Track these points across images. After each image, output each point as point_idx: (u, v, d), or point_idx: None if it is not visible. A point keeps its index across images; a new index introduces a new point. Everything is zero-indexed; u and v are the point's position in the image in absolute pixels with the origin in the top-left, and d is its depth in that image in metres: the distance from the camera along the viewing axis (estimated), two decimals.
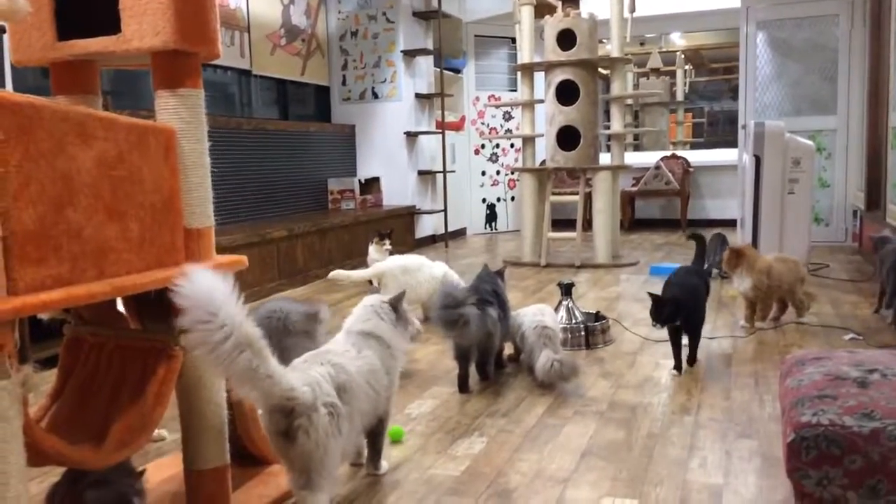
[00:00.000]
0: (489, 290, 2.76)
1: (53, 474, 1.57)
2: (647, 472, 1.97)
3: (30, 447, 1.19)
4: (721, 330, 3.48)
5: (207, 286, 1.35)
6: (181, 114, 1.56)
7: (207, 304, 1.34)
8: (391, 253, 4.37)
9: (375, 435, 1.97)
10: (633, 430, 2.27)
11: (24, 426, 1.18)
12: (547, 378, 2.68)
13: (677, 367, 2.87)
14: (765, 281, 3.42)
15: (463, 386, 2.70)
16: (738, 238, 5.07)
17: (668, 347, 3.33)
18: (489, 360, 2.78)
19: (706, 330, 3.47)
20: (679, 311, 2.79)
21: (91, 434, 1.44)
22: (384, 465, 2.01)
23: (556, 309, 3.46)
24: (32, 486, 1.80)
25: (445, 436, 2.27)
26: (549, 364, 2.66)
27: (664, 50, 9.61)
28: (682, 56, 9.64)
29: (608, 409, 2.47)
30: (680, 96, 9.72)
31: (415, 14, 7.01)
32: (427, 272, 3.72)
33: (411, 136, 7.00)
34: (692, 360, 2.95)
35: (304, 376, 1.60)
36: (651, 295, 2.81)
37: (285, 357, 1.69)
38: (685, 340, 2.96)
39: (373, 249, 4.77)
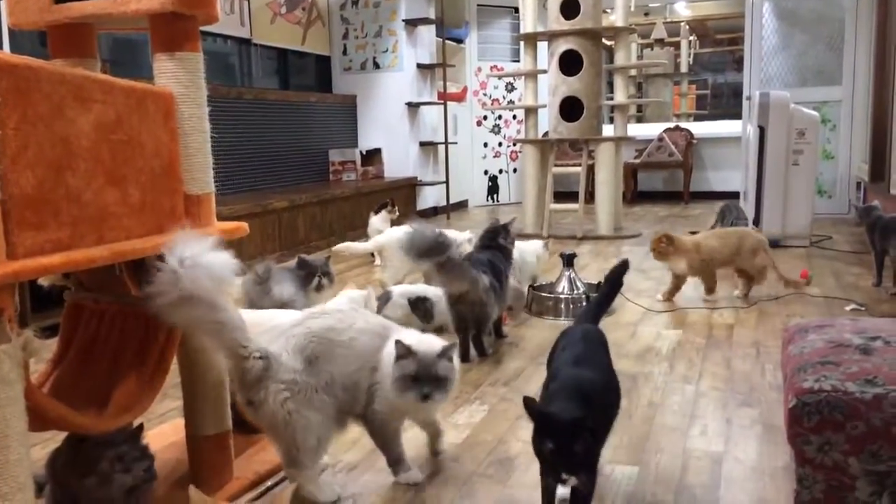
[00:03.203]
0: (484, 260, 2.75)
1: (55, 440, 1.57)
2: (647, 439, 1.98)
3: (31, 412, 1.18)
4: (723, 301, 3.48)
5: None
6: (180, 78, 1.54)
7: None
8: (394, 223, 4.36)
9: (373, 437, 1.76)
10: (634, 399, 2.27)
11: (26, 390, 1.17)
12: None
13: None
14: (696, 257, 3.42)
15: (464, 356, 2.71)
16: (743, 207, 5.03)
17: (670, 317, 3.34)
18: (484, 330, 2.77)
19: (708, 300, 3.48)
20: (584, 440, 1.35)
21: (93, 399, 1.44)
22: (404, 474, 1.75)
23: (558, 279, 3.46)
24: (35, 451, 1.81)
25: (447, 404, 2.28)
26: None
27: (669, 20, 9.50)
28: (687, 26, 9.53)
29: None
30: (684, 67, 9.62)
31: None
32: None
33: (413, 106, 6.95)
34: None
35: (265, 346, 1.56)
36: (529, 409, 1.38)
37: None
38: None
39: (376, 219, 4.76)
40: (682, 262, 3.45)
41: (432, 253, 2.58)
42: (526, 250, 3.63)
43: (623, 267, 1.96)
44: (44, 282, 1.61)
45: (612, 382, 1.62)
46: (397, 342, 1.63)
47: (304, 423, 1.57)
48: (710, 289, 3.51)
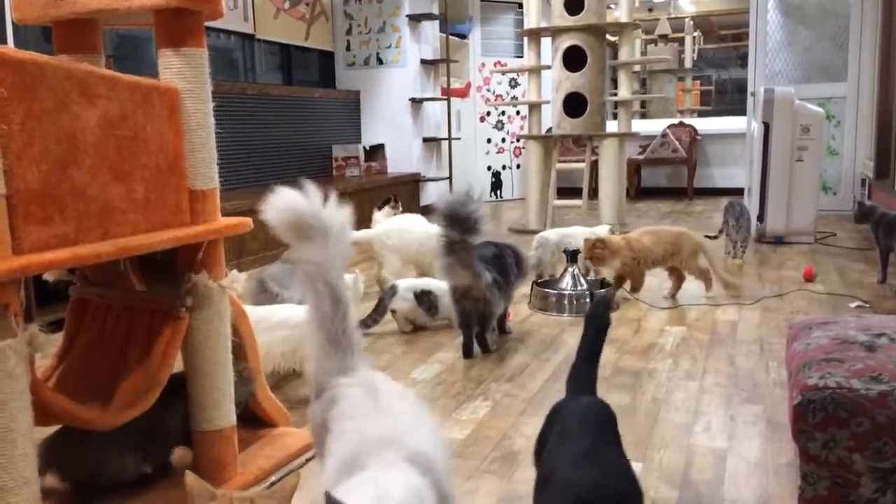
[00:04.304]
0: (489, 256, 2.74)
1: None
2: (651, 436, 1.98)
3: (37, 406, 1.19)
4: (727, 297, 3.47)
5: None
6: (184, 73, 1.54)
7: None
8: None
9: None
10: (638, 395, 2.27)
11: (32, 385, 1.18)
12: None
13: None
14: (628, 254, 3.39)
15: (467, 351, 2.71)
16: (747, 204, 5.03)
17: (673, 314, 3.35)
18: (487, 327, 2.76)
19: (710, 297, 3.47)
20: None
21: (98, 394, 1.44)
22: None
23: (562, 276, 3.46)
24: None
25: (450, 400, 2.28)
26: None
27: (673, 16, 9.48)
28: (691, 22, 9.51)
29: (612, 374, 2.47)
30: (688, 63, 9.60)
31: None
32: (419, 231, 3.63)
33: (416, 102, 6.94)
34: None
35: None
36: None
37: None
38: None
39: (380, 215, 4.75)
40: (617, 262, 3.42)
41: (458, 225, 2.52)
42: (576, 234, 3.73)
43: (600, 310, 1.53)
44: (49, 277, 1.61)
45: (628, 480, 1.15)
46: (326, 494, 0.95)
47: (315, 439, 1.32)
48: (635, 288, 3.48)
